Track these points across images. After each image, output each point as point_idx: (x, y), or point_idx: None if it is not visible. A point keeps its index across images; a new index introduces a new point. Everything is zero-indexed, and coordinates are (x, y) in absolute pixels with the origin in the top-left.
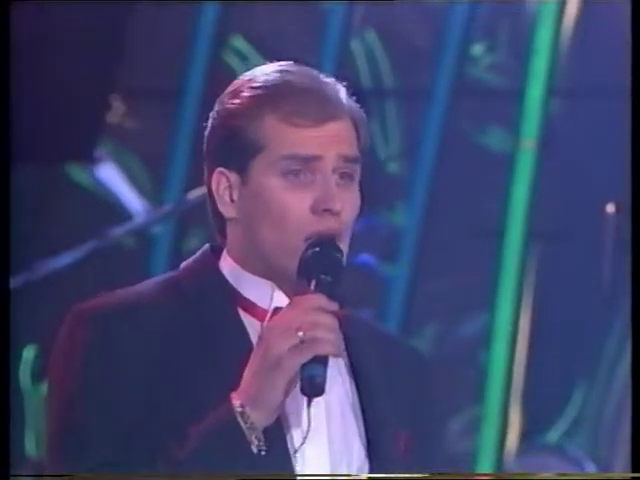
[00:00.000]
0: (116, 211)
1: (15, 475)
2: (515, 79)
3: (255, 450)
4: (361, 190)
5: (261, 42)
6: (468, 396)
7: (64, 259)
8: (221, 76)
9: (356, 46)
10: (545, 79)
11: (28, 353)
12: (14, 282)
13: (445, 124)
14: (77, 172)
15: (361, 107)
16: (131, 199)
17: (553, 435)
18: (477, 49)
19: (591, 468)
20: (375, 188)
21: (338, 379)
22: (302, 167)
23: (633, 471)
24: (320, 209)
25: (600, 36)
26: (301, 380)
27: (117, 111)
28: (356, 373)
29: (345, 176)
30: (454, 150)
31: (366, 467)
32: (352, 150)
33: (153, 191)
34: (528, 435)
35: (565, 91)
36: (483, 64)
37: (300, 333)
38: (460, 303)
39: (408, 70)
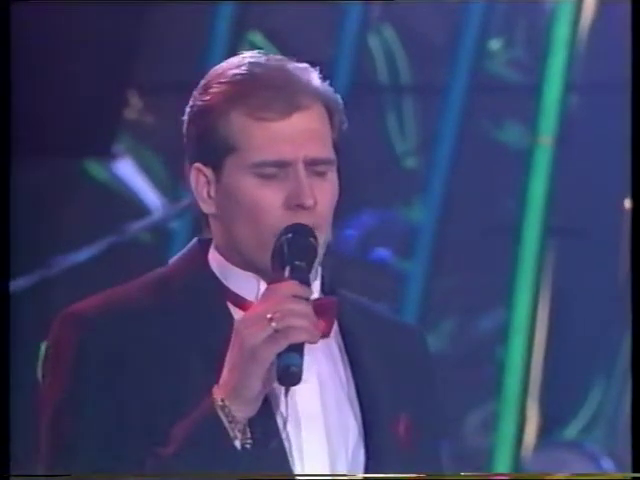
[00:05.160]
0: (134, 206)
1: (16, 475)
2: (533, 75)
3: (239, 445)
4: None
5: (279, 38)
6: (485, 392)
7: (82, 255)
8: None
9: (373, 42)
10: (563, 75)
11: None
12: (31, 278)
13: (462, 120)
14: (95, 168)
15: (378, 103)
16: (148, 194)
17: (571, 431)
18: (494, 44)
19: (609, 464)
20: (392, 183)
21: (331, 366)
22: (273, 168)
23: (633, 471)
24: (292, 204)
25: (617, 32)
26: (277, 370)
27: (135, 107)
28: (351, 357)
29: (319, 171)
30: (471, 146)
31: (361, 452)
32: (322, 149)
33: (170, 186)
34: (546, 431)
35: (583, 87)
36: (500, 60)
37: (273, 323)
38: (477, 299)
39: (425, 66)
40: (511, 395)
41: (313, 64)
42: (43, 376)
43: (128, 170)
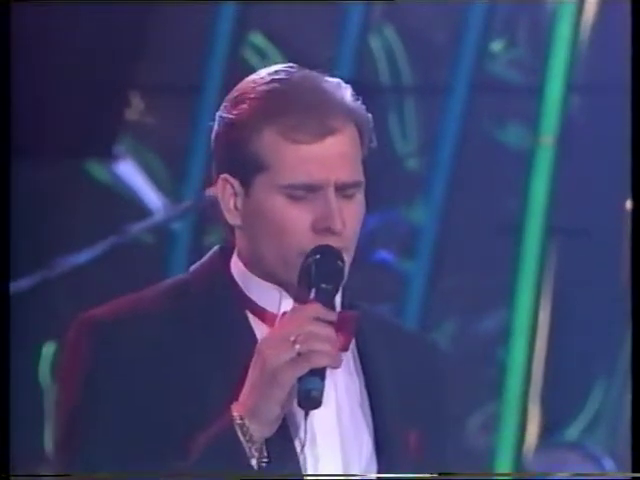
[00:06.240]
0: (135, 207)
1: (15, 475)
2: (534, 75)
3: (255, 464)
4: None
5: (280, 39)
6: (487, 393)
7: (83, 256)
8: (240, 73)
9: (375, 42)
10: (564, 75)
11: (48, 350)
12: (33, 279)
13: (464, 120)
14: (96, 169)
15: (380, 103)
16: (150, 195)
17: (573, 432)
18: (496, 45)
19: (610, 465)
20: (394, 184)
21: (347, 376)
22: (303, 191)
23: (633, 471)
24: (320, 227)
25: (619, 33)
26: (298, 393)
27: (136, 107)
28: (365, 370)
29: (348, 194)
30: (472, 146)
31: (374, 464)
32: (353, 173)
33: (172, 187)
34: (547, 431)
35: (584, 87)
36: (502, 60)
37: (296, 346)
38: (478, 299)
39: (427, 66)
40: (512, 396)
41: (314, 65)
42: (57, 380)
43: (129, 171)
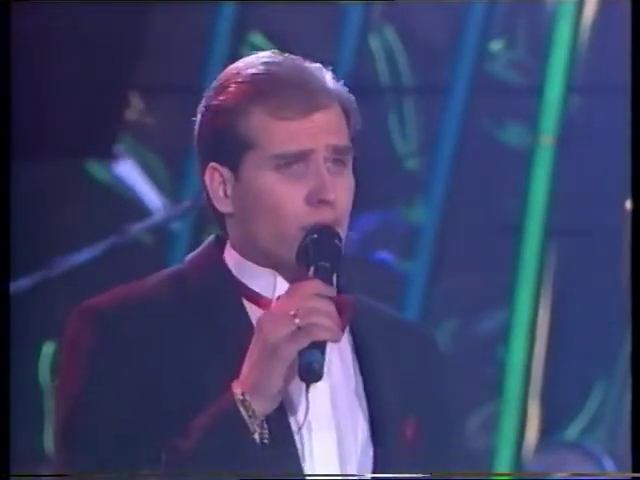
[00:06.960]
0: (134, 207)
1: (15, 474)
2: (534, 75)
3: (258, 439)
4: (358, 184)
5: (279, 39)
6: (486, 393)
7: (83, 255)
8: None
9: (374, 43)
10: (564, 75)
11: (47, 349)
12: (33, 278)
13: (463, 120)
14: (96, 168)
15: (380, 103)
16: (149, 195)
17: (572, 432)
18: (495, 45)
19: (610, 465)
20: (394, 184)
21: (341, 364)
22: (294, 160)
23: (633, 471)
24: (315, 200)
25: (619, 33)
26: (299, 366)
27: (136, 107)
28: (360, 358)
29: (338, 162)
30: (472, 146)
31: (370, 449)
32: (342, 139)
33: (172, 187)
34: (547, 432)
35: (583, 87)
36: (502, 60)
37: (296, 320)
38: (478, 299)
39: (427, 66)
40: (512, 395)
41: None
42: (57, 371)
43: (129, 171)
